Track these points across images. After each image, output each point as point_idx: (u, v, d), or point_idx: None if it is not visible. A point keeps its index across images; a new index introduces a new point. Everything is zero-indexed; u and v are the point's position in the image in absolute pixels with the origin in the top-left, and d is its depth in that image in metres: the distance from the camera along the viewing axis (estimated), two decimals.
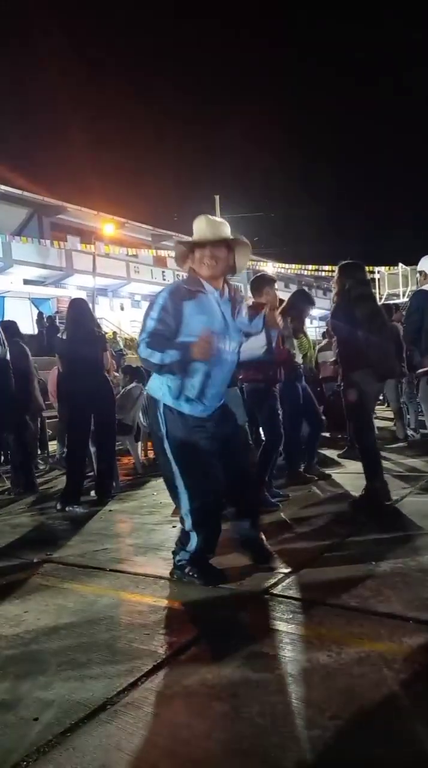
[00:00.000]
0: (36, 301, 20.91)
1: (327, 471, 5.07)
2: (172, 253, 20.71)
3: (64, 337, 4.74)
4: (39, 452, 8.11)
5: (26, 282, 22.00)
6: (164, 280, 25.78)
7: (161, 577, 2.76)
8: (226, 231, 2.66)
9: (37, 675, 1.94)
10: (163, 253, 25.10)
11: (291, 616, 2.23)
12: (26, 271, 21.66)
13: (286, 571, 2.71)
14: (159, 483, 5.40)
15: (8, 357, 3.31)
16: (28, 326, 18.31)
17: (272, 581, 2.59)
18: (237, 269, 2.73)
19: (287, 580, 2.60)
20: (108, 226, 23.10)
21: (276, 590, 2.50)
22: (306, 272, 27.25)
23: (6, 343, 3.29)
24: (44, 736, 1.59)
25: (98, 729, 1.61)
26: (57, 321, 17.77)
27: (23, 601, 2.64)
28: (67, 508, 4.46)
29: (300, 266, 26.66)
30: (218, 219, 2.72)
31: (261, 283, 4.20)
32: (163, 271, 26.38)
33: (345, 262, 4.00)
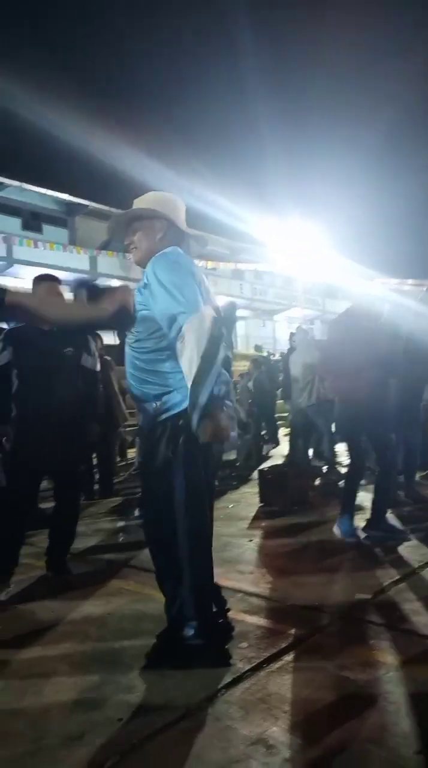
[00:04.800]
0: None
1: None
2: (251, 266, 20.52)
3: None
4: (118, 459, 8.40)
5: None
6: (241, 293, 25.96)
7: (239, 591, 2.77)
8: (136, 206, 2.24)
9: (120, 677, 2.01)
10: (241, 266, 25.29)
11: (372, 642, 2.18)
12: (110, 283, 22.58)
13: (368, 595, 2.65)
14: (234, 495, 5.44)
15: (98, 368, 3.46)
16: (109, 337, 18.99)
17: (354, 604, 2.54)
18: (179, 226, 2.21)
19: (368, 605, 2.54)
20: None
21: (358, 613, 2.45)
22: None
23: (97, 354, 3.44)
24: (128, 738, 1.65)
25: (179, 736, 1.65)
26: None
27: (105, 603, 2.74)
28: None
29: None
30: (142, 197, 2.27)
31: None
32: (241, 284, 26.56)
33: None
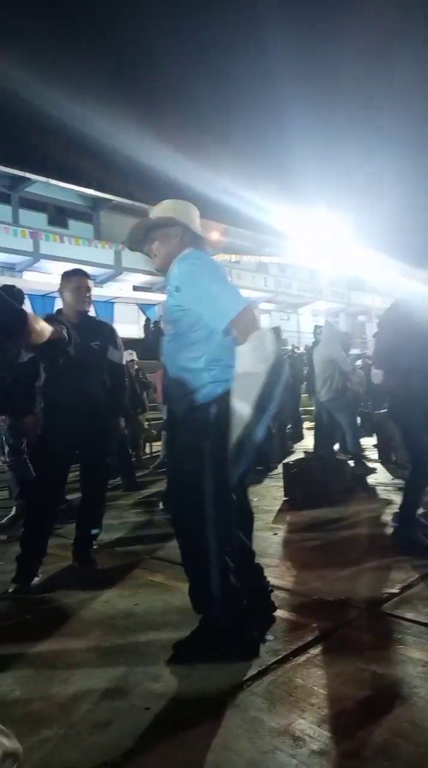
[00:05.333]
0: (143, 307, 21.79)
1: None
2: (275, 259, 20.36)
3: None
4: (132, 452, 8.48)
5: (135, 288, 23.01)
6: (265, 286, 25.83)
7: None
8: (152, 215, 2.33)
9: (147, 667, 2.03)
10: (265, 259, 25.17)
11: (400, 636, 2.16)
12: (135, 277, 22.67)
13: (395, 590, 2.63)
14: (259, 489, 5.44)
15: (124, 361, 3.49)
16: (135, 331, 19.15)
17: (381, 599, 2.53)
18: (191, 227, 2.29)
19: (396, 599, 2.52)
20: (212, 233, 23.59)
21: (385, 608, 2.43)
22: None
23: (122, 347, 3.46)
24: (156, 727, 1.66)
25: (206, 726, 1.65)
26: (162, 325, 18.41)
27: (133, 594, 2.77)
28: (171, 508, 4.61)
29: None
30: (158, 206, 2.36)
31: None
32: (265, 277, 26.44)
33: None
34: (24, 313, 2.06)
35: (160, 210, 2.32)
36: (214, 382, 2.09)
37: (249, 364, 1.96)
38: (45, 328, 2.30)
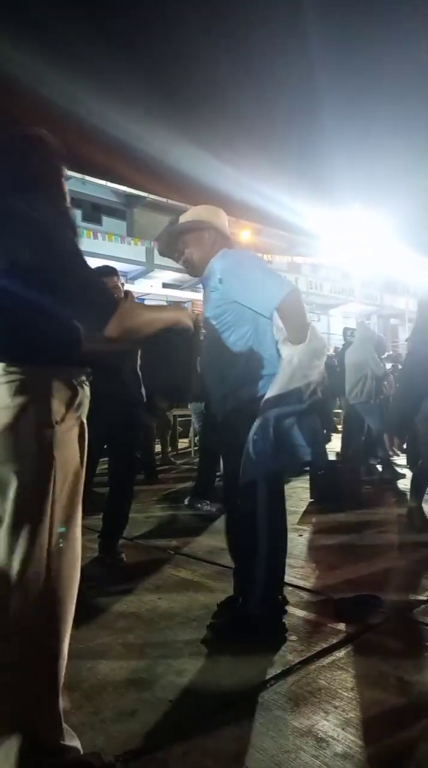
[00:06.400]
0: (172, 304, 21.88)
1: None
2: (308, 260, 20.15)
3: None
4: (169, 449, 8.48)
5: (165, 285, 23.12)
6: (297, 286, 25.62)
7: (288, 584, 2.76)
8: (182, 221, 2.32)
9: (171, 660, 2.04)
10: (298, 259, 25.02)
11: (427, 643, 2.13)
12: (166, 275, 22.79)
13: (422, 596, 2.59)
14: (285, 489, 5.41)
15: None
16: None
17: (408, 604, 2.50)
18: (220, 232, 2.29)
19: (424, 605, 2.49)
20: (244, 232, 23.53)
21: (411, 614, 2.41)
22: None
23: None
24: (179, 719, 1.68)
25: (228, 722, 1.66)
26: (201, 324, 18.49)
27: (157, 588, 2.79)
28: (196, 505, 4.63)
29: None
30: (188, 212, 2.35)
31: None
32: (297, 277, 26.21)
33: None
34: (113, 303, 1.43)
35: (189, 215, 2.33)
36: (259, 379, 2.12)
37: (301, 363, 2.02)
38: (150, 319, 1.55)
